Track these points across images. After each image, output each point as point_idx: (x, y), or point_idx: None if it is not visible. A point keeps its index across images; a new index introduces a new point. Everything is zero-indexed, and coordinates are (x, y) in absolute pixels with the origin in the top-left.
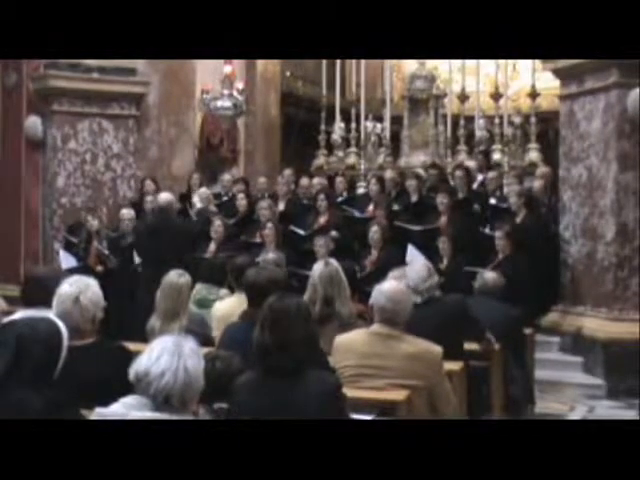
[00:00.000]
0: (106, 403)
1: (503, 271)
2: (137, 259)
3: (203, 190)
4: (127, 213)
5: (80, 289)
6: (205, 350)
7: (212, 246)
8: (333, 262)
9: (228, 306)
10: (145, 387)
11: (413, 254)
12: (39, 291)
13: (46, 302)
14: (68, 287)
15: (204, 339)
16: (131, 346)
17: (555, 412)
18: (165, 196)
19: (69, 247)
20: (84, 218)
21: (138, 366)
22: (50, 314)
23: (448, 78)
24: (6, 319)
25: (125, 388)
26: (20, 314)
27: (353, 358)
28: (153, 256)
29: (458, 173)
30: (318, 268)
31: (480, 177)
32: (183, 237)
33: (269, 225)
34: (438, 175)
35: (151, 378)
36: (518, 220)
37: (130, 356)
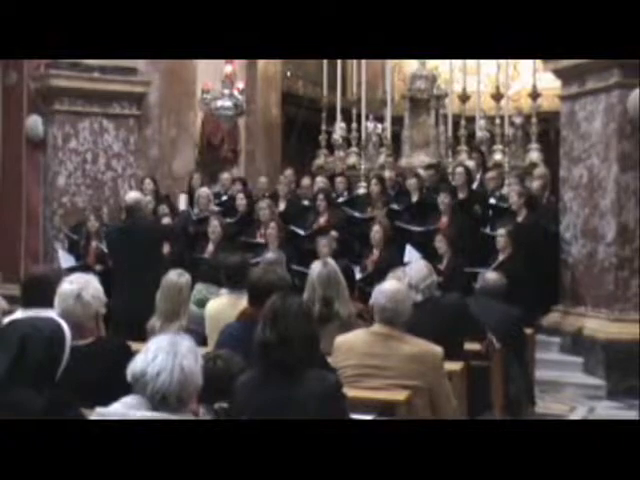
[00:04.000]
0: (108, 402)
1: (504, 271)
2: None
3: (203, 189)
4: None
5: (81, 286)
6: (205, 349)
7: (210, 246)
8: (331, 262)
9: (219, 305)
10: (142, 387)
11: (411, 254)
12: (39, 291)
13: (46, 302)
14: (69, 285)
15: (204, 338)
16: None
17: (555, 412)
18: (132, 195)
19: (72, 246)
20: (87, 217)
21: (134, 366)
22: (53, 314)
23: (449, 78)
24: (7, 319)
25: (126, 386)
26: (22, 314)
27: (353, 358)
28: (122, 257)
29: (458, 172)
30: (316, 268)
31: (478, 176)
32: (151, 236)
33: (272, 225)
34: (437, 175)
35: (147, 378)
36: (519, 220)
37: (131, 354)
